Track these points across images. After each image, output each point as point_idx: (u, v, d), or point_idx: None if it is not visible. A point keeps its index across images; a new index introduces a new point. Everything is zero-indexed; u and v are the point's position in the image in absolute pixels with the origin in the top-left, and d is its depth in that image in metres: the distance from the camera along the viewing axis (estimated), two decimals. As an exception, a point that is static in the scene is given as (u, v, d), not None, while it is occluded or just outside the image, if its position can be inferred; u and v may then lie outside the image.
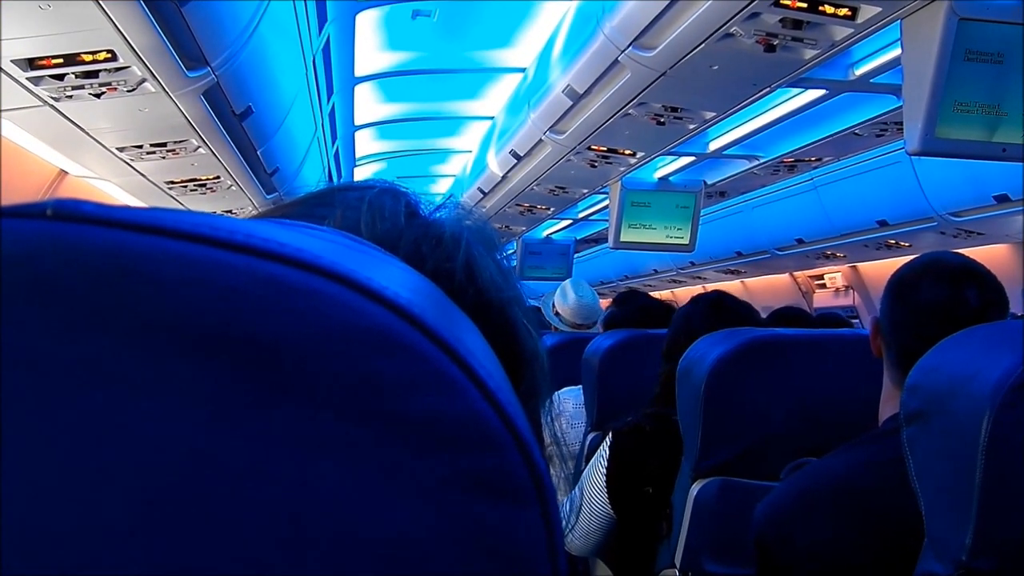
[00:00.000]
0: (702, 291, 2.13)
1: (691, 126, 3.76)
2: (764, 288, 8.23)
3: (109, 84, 2.65)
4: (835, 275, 7.20)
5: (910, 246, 5.47)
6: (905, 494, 0.96)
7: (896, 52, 2.94)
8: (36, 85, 2.60)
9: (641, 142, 4.18)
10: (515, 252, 7.93)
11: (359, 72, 5.11)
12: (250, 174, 4.25)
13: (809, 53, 2.76)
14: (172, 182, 4.11)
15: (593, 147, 4.33)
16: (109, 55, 2.46)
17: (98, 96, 2.72)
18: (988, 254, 4.87)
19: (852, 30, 2.57)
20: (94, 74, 2.57)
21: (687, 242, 5.46)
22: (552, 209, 6.22)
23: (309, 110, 4.56)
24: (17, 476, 0.19)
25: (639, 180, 5.21)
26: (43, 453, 0.20)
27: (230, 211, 4.84)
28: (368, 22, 4.47)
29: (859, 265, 6.76)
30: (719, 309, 2.04)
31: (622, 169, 4.77)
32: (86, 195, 4.06)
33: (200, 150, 3.59)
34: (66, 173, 3.96)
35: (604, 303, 3.94)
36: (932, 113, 2.39)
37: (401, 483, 0.22)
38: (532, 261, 7.94)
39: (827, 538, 1.24)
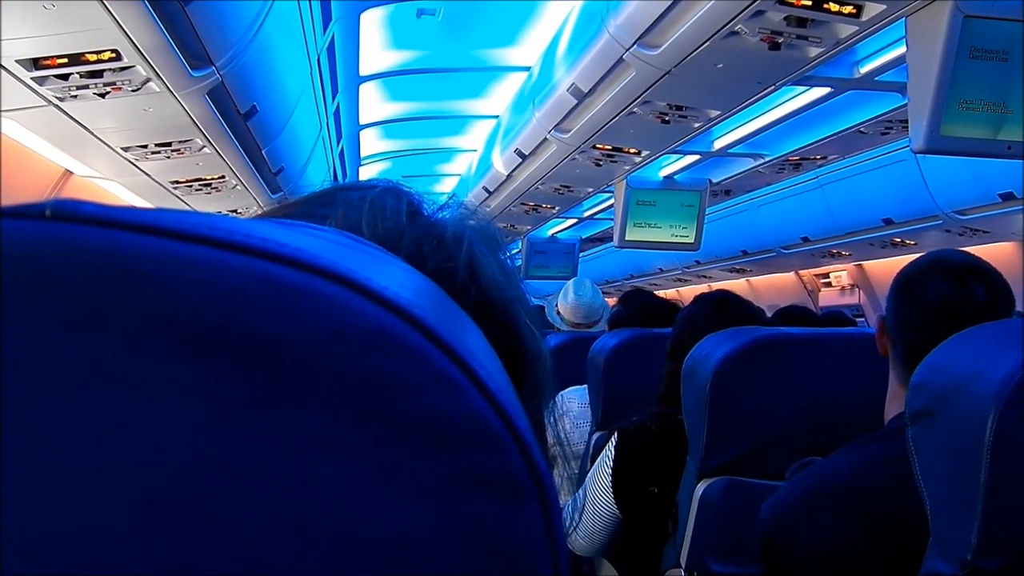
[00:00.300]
0: (707, 290, 2.12)
1: (696, 124, 3.76)
2: (770, 287, 8.23)
3: (114, 84, 2.66)
4: (841, 273, 7.19)
5: (916, 244, 5.46)
6: (910, 493, 0.96)
7: (901, 50, 2.94)
8: (41, 85, 2.60)
9: (646, 141, 4.18)
10: (520, 251, 7.93)
11: (364, 71, 5.11)
12: (255, 173, 4.26)
13: (814, 51, 2.76)
14: (177, 182, 4.11)
15: (598, 146, 4.33)
16: (113, 55, 2.46)
17: (103, 96, 2.72)
18: (993, 252, 4.86)
19: (857, 28, 2.57)
20: (99, 74, 2.58)
21: (692, 241, 5.46)
22: (557, 208, 6.22)
23: (314, 109, 4.57)
24: (17, 476, 0.19)
25: (644, 179, 5.21)
26: (43, 453, 0.20)
27: (235, 210, 4.84)
28: (372, 21, 4.47)
29: (865, 263, 6.75)
30: (723, 308, 2.04)
31: (627, 168, 4.76)
32: (91, 195, 4.07)
33: (205, 150, 3.60)
34: (71, 173, 3.96)
35: (612, 302, 3.93)
36: (937, 111, 2.39)
37: (401, 483, 0.21)
38: (537, 260, 7.93)
39: (831, 538, 1.24)
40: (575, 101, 3.80)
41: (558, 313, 3.75)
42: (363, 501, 0.21)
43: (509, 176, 5.53)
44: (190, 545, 0.20)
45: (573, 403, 2.84)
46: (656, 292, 3.58)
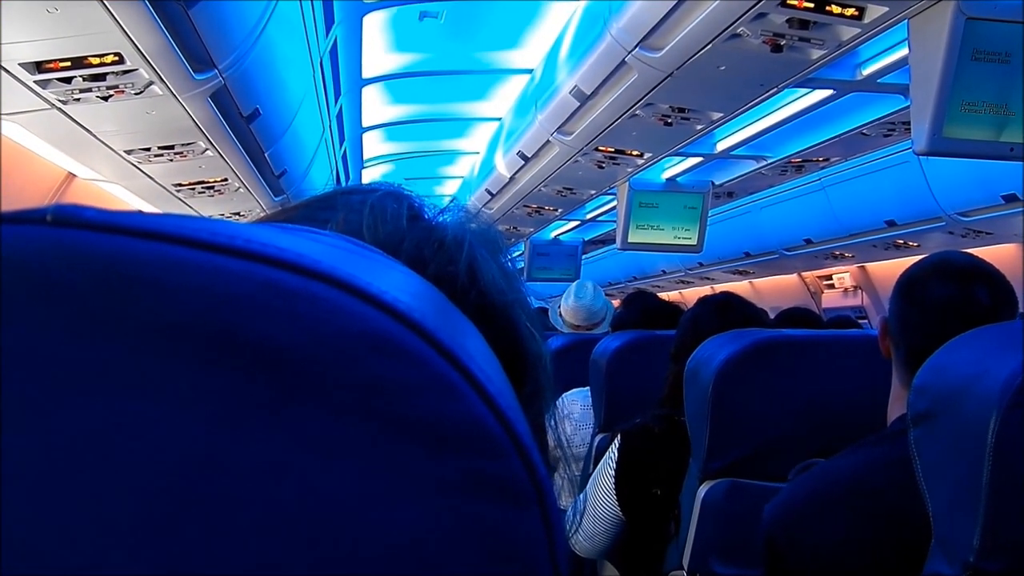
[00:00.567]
0: (710, 292, 2.12)
1: (698, 127, 3.76)
2: (772, 288, 8.22)
3: (116, 87, 2.66)
4: (843, 275, 7.18)
5: (918, 246, 5.46)
6: (913, 495, 0.96)
7: (903, 52, 2.94)
8: (44, 88, 2.61)
9: (648, 143, 4.18)
10: (523, 253, 7.93)
11: (366, 74, 5.12)
12: (258, 176, 4.26)
13: (816, 53, 2.76)
14: (180, 185, 4.12)
15: (600, 148, 4.33)
16: (116, 58, 2.47)
17: (105, 99, 2.73)
18: (996, 254, 4.85)
19: (859, 30, 2.57)
20: (101, 77, 2.58)
21: (695, 243, 5.46)
22: (560, 210, 6.22)
23: (316, 112, 4.57)
24: (22, 481, 0.19)
25: (647, 181, 5.22)
26: (47, 458, 0.20)
27: (238, 213, 4.85)
28: (375, 24, 4.47)
29: (867, 265, 6.74)
30: (726, 310, 2.03)
31: (630, 170, 4.77)
32: (94, 198, 4.08)
33: (208, 152, 3.60)
34: (74, 176, 3.97)
35: (617, 303, 3.92)
36: (939, 113, 2.39)
37: (401, 487, 0.22)
38: (540, 262, 7.94)
39: (834, 539, 1.24)
40: (577, 103, 3.81)
41: (560, 315, 3.75)
42: (363, 504, 0.21)
43: (512, 178, 5.53)
44: (197, 548, 0.20)
45: (575, 405, 2.83)
46: (659, 294, 3.57)
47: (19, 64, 2.44)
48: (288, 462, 0.21)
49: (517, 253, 8.05)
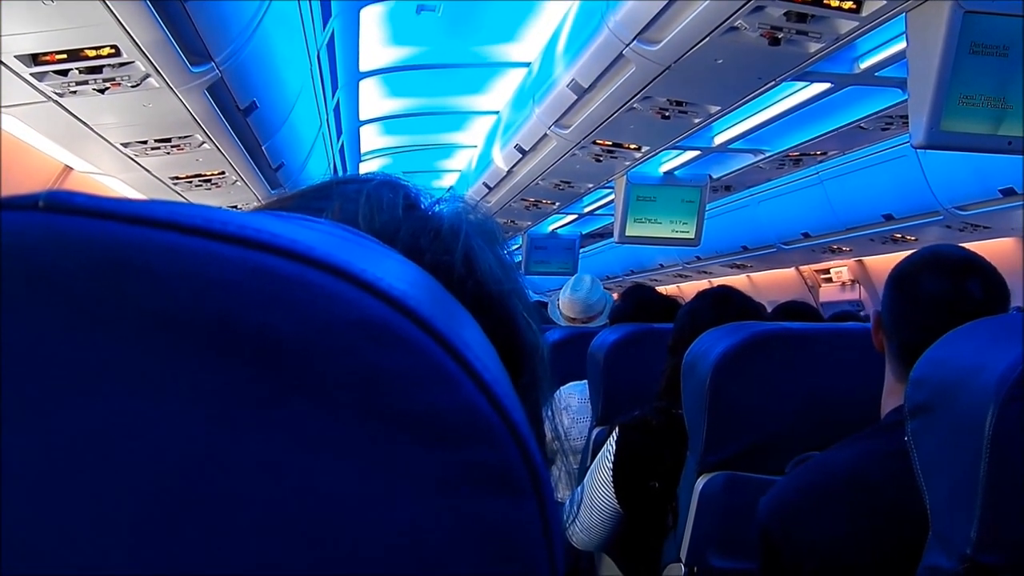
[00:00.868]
0: (708, 285, 2.13)
1: (696, 120, 3.76)
2: (770, 282, 8.23)
3: (113, 80, 2.66)
4: (841, 269, 7.19)
5: (916, 240, 5.47)
6: (909, 487, 0.96)
7: (901, 45, 2.94)
8: (40, 81, 2.60)
9: (646, 136, 4.18)
10: (520, 247, 7.93)
11: (364, 67, 5.11)
12: (255, 169, 4.26)
13: (814, 46, 2.76)
14: (177, 178, 4.12)
15: (598, 141, 4.33)
16: (113, 51, 2.46)
17: (102, 92, 2.72)
18: (993, 248, 4.87)
19: (857, 23, 2.57)
20: (98, 70, 2.58)
21: (693, 236, 5.46)
22: (557, 204, 6.22)
23: (314, 105, 4.57)
24: (16, 475, 0.19)
25: (644, 174, 5.22)
26: (40, 450, 0.19)
27: (235, 206, 4.84)
28: (372, 17, 4.47)
29: (865, 259, 6.76)
30: (725, 304, 2.04)
31: (627, 163, 4.77)
32: (91, 191, 4.06)
33: (205, 145, 3.60)
34: (71, 169, 3.97)
35: (616, 296, 3.92)
36: (937, 106, 2.39)
37: (398, 477, 0.21)
38: (538, 256, 7.94)
39: (840, 532, 1.24)
40: (575, 97, 3.80)
41: (559, 309, 3.75)
42: (363, 504, 0.21)
43: (509, 172, 5.53)
44: (195, 545, 0.20)
45: (573, 398, 2.84)
46: (657, 287, 3.57)
47: (15, 56, 2.44)
48: (288, 461, 0.21)
49: (515, 247, 8.05)
